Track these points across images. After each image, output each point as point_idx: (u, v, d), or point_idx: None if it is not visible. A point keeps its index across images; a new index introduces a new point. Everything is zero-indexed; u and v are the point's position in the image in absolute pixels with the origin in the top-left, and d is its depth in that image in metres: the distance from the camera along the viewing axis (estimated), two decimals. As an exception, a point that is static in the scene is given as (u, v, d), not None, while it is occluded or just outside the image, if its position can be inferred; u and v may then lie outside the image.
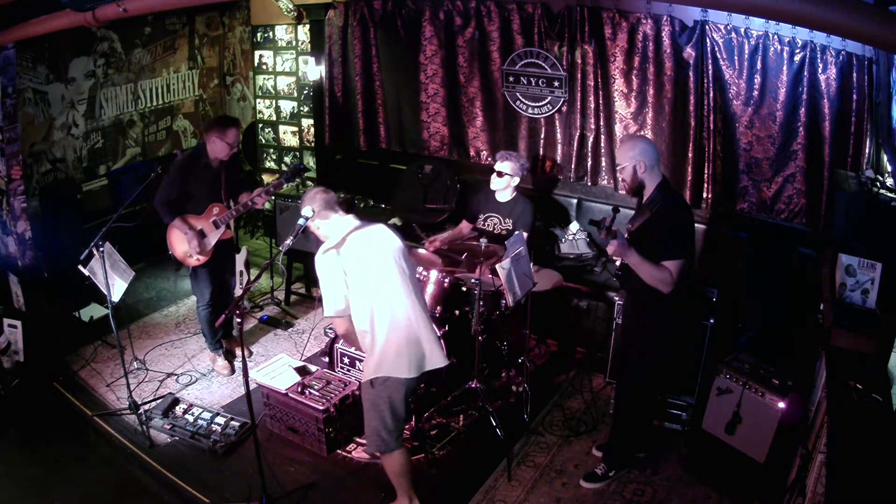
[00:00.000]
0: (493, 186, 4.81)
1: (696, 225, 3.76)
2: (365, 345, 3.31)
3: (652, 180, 3.42)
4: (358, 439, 4.22)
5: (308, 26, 6.52)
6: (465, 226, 5.02)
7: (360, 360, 4.49)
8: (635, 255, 3.29)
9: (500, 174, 4.75)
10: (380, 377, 3.24)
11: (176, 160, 4.77)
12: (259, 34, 6.97)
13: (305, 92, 6.87)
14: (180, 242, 4.55)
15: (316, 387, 4.16)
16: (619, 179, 3.68)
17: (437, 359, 3.33)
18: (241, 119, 7.30)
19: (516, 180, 4.80)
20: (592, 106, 5.23)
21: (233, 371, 4.97)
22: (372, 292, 3.22)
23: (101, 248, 4.15)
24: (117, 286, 4.32)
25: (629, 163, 3.40)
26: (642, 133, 5.07)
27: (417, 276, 4.32)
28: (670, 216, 3.36)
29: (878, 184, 3.43)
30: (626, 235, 3.33)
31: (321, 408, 3.99)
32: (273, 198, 5.79)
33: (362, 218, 3.38)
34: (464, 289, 4.41)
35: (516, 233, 4.51)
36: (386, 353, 3.23)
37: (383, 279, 3.26)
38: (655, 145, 3.48)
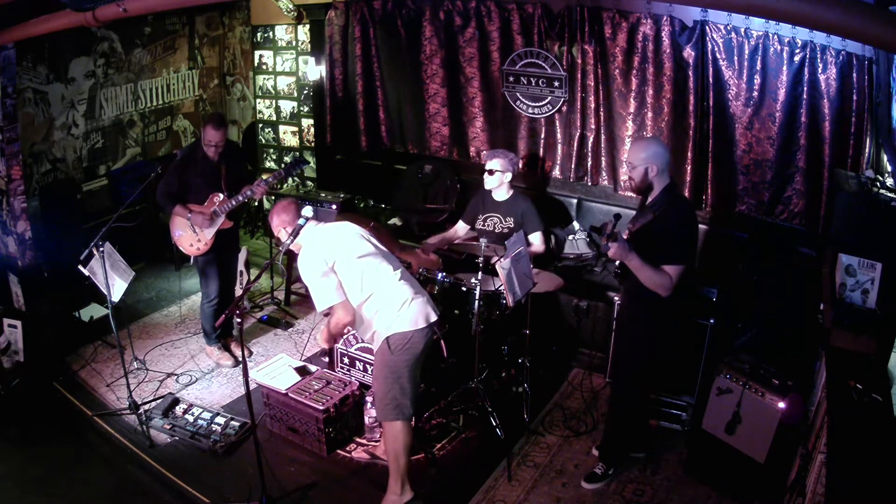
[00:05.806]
0: (486, 186, 4.82)
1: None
2: (368, 314, 3.45)
3: (660, 183, 3.40)
4: (358, 439, 4.22)
5: (308, 26, 6.53)
6: (460, 227, 5.02)
7: (360, 361, 4.50)
8: (636, 258, 3.26)
9: (490, 172, 4.76)
10: (397, 336, 3.37)
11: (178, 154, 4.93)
12: (259, 34, 6.98)
13: (305, 92, 6.87)
14: (183, 230, 4.65)
15: (316, 387, 4.16)
16: (626, 177, 3.66)
17: (433, 310, 3.51)
18: (241, 119, 7.32)
19: (509, 175, 4.80)
20: (592, 106, 5.23)
21: (236, 362, 4.99)
22: (361, 263, 3.47)
23: (101, 248, 4.16)
24: (117, 286, 4.32)
25: (641, 164, 3.36)
26: (641, 134, 5.08)
27: (416, 275, 4.35)
28: (674, 220, 3.34)
29: (878, 184, 3.43)
30: (625, 236, 3.31)
31: (321, 408, 3.99)
32: (273, 197, 5.79)
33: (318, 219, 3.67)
34: (464, 289, 4.41)
35: (516, 233, 4.50)
36: (394, 307, 3.40)
37: (365, 251, 3.55)
38: (667, 148, 3.46)
